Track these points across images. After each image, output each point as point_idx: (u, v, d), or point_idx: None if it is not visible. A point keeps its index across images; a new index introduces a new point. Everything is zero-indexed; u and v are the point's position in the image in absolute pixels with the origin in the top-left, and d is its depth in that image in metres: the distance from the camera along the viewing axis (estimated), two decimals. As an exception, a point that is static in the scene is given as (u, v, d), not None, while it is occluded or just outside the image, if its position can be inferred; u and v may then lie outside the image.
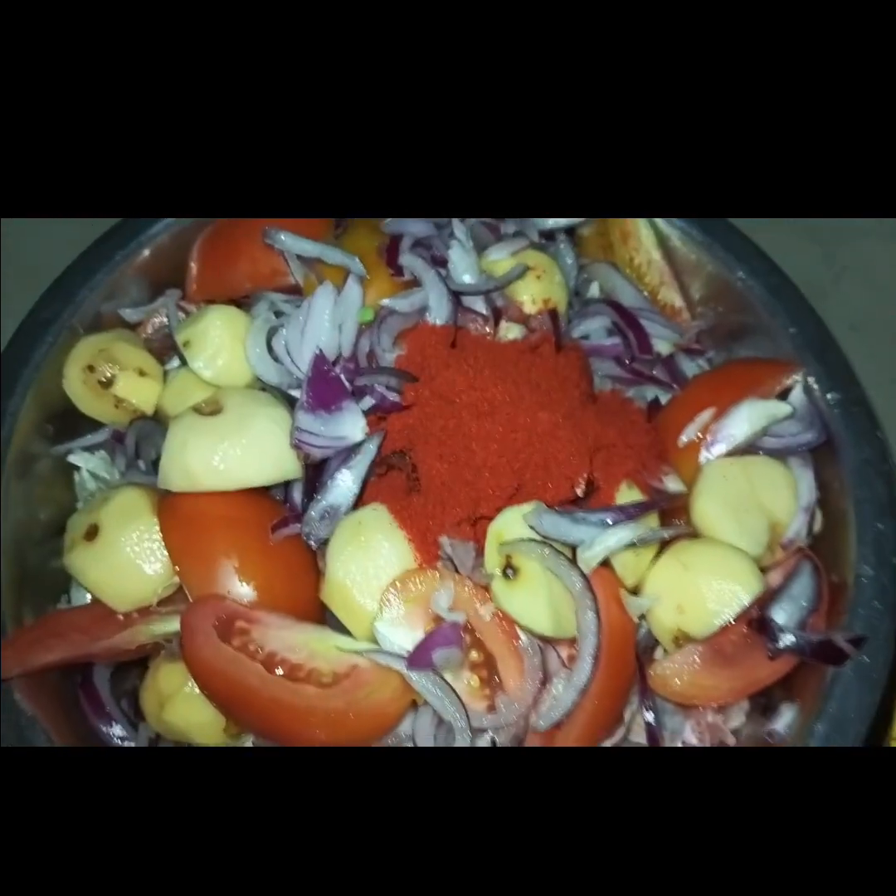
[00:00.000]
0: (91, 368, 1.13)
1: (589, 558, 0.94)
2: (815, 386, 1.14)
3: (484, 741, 0.92)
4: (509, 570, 0.92)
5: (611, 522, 0.95)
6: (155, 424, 1.11)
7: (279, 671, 0.90)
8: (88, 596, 1.05)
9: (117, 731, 1.02)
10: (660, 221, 1.28)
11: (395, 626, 0.92)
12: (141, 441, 1.11)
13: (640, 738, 1.02)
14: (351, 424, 1.01)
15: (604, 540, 0.94)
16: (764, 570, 1.03)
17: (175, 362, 1.19)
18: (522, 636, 0.94)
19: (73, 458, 1.15)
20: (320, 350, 1.03)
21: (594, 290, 1.28)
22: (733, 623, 0.99)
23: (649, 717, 1.00)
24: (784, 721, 1.00)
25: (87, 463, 1.15)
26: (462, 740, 0.88)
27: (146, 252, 1.24)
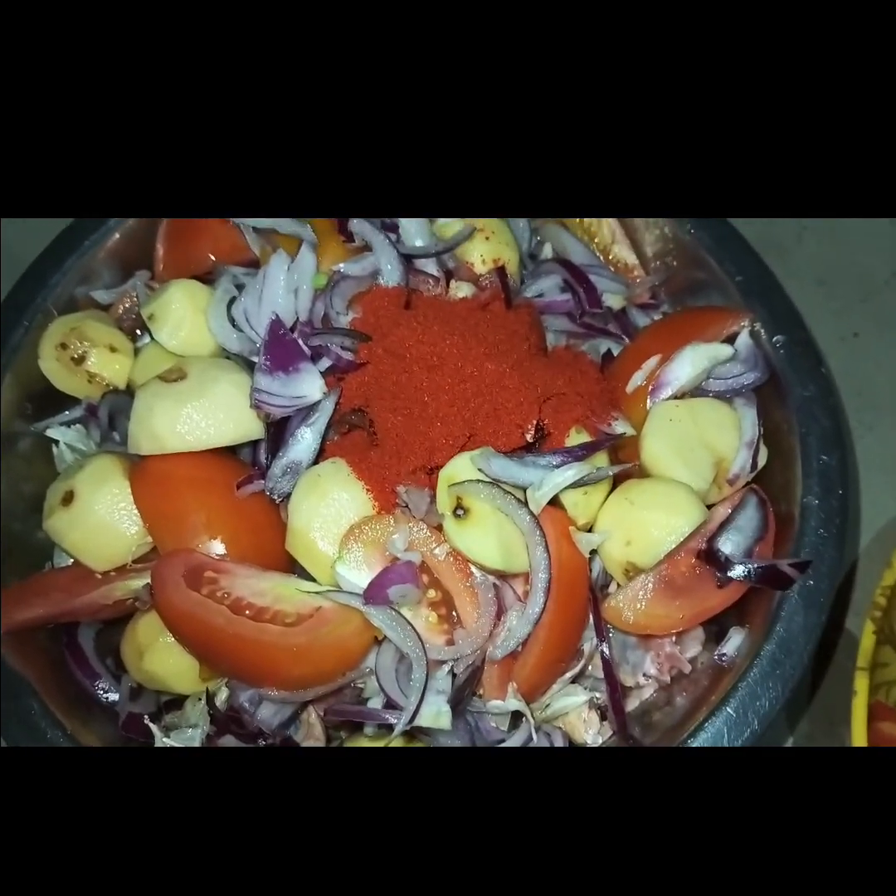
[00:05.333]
0: (64, 346, 1.19)
1: (538, 497, 0.98)
2: (761, 330, 1.18)
3: (443, 671, 0.97)
4: (460, 510, 0.97)
5: (557, 463, 1.00)
6: (127, 398, 1.16)
7: (246, 614, 0.95)
8: (70, 560, 1.10)
9: (102, 684, 1.08)
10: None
11: (355, 568, 0.97)
12: (114, 414, 1.17)
13: (600, 671, 1.07)
14: (309, 384, 1.06)
15: (551, 479, 0.99)
16: (712, 505, 1.08)
17: (146, 339, 1.24)
18: (476, 573, 0.99)
19: (51, 433, 1.21)
20: (276, 315, 1.08)
21: (547, 251, 1.32)
22: (682, 555, 1.03)
23: (605, 649, 1.05)
24: (733, 644, 1.04)
25: (64, 436, 1.20)
26: (419, 670, 0.93)
27: (116, 236, 1.29)
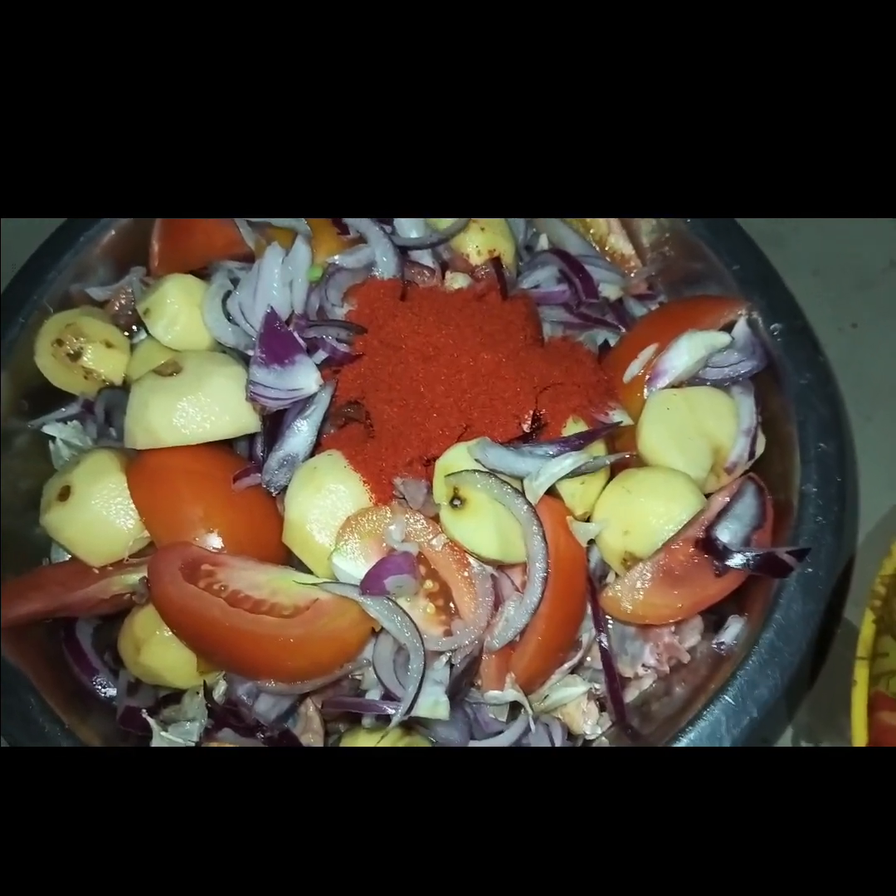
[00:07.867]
0: (60, 342, 1.19)
1: (535, 487, 0.98)
2: (758, 318, 1.18)
3: (441, 662, 0.97)
4: (456, 500, 0.97)
5: (554, 453, 1.00)
6: (123, 393, 1.15)
7: (243, 607, 0.94)
8: (67, 556, 1.10)
9: (100, 679, 1.08)
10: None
11: (352, 560, 0.97)
12: (111, 409, 1.17)
13: (599, 662, 1.07)
14: (304, 376, 1.05)
15: (548, 469, 0.98)
16: (710, 494, 1.08)
17: (142, 335, 1.24)
18: (473, 563, 0.98)
19: (47, 429, 1.21)
20: (272, 308, 1.08)
21: (543, 243, 1.32)
22: (680, 544, 1.03)
23: (603, 639, 1.04)
24: (731, 633, 1.04)
25: (61, 432, 1.21)
26: (416, 660, 0.93)
27: (111, 233, 1.29)
